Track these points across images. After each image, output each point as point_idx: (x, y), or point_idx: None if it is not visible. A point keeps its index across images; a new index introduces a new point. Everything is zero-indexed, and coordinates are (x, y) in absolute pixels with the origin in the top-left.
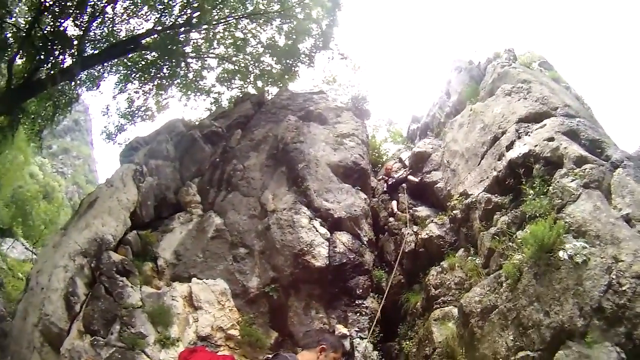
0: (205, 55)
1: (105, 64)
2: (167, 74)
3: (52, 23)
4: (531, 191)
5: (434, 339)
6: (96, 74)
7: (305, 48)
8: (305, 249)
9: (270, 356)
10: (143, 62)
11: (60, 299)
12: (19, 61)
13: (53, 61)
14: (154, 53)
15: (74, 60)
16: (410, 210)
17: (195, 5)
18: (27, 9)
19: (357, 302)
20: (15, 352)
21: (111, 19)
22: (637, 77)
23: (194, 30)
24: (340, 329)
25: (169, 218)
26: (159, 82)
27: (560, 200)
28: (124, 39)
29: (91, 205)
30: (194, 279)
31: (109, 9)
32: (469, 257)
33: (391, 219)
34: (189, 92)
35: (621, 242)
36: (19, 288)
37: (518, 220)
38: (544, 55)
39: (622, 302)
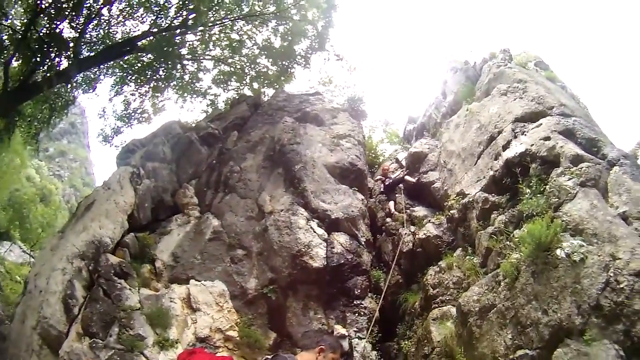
0: (201, 57)
1: (101, 66)
2: (163, 76)
3: (48, 25)
4: (528, 190)
5: (433, 338)
6: (92, 76)
7: (301, 49)
8: (303, 249)
9: (269, 357)
10: (139, 64)
11: (59, 302)
12: (15, 64)
13: (49, 63)
14: (150, 55)
15: (70, 62)
16: (408, 211)
17: (191, 7)
18: (23, 11)
19: (355, 302)
20: (14, 355)
21: (107, 21)
22: (633, 76)
23: (189, 32)
24: (339, 329)
25: (167, 220)
26: (155, 84)
27: (557, 199)
28: (120, 41)
29: (88, 208)
30: (192, 281)
31: (104, 11)
32: (467, 257)
33: (388, 219)
34: (185, 94)
35: (618, 239)
36: (17, 291)
37: (515, 219)
38: (540, 55)
39: (620, 300)
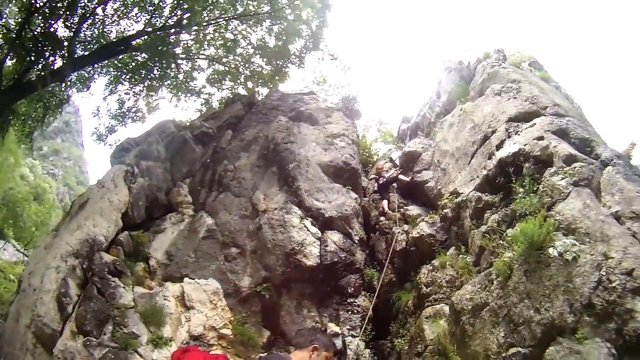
0: (196, 57)
1: (96, 65)
2: (157, 75)
3: (42, 24)
4: (521, 189)
5: (426, 336)
6: (86, 75)
7: (296, 49)
8: (297, 248)
9: (263, 355)
10: (133, 64)
11: (53, 300)
12: (9, 62)
13: (43, 62)
14: (144, 54)
15: (65, 61)
16: (401, 210)
17: (186, 6)
18: (17, 10)
19: (348, 300)
20: (8, 353)
21: (101, 21)
22: (627, 77)
23: (184, 32)
24: (332, 327)
25: (161, 218)
26: (150, 83)
27: (550, 199)
28: (114, 40)
29: (82, 206)
30: (186, 279)
31: (99, 10)
32: (460, 255)
33: (382, 218)
34: (180, 93)
35: (611, 239)
36: (10, 290)
37: (508, 218)
38: (534, 55)
39: (612, 299)
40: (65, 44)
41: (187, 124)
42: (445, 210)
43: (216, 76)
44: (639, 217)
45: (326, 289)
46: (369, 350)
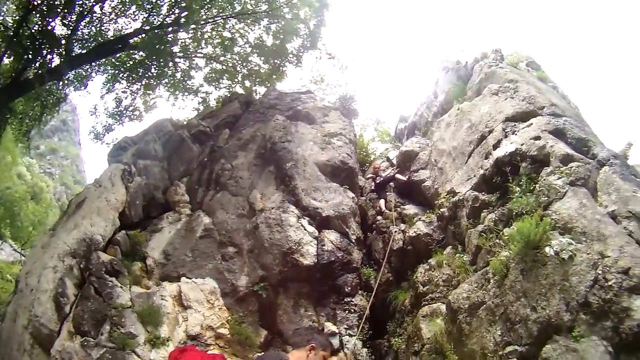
0: (193, 55)
1: (93, 64)
2: (155, 74)
3: (40, 22)
4: (518, 189)
5: (423, 335)
6: (84, 73)
7: (293, 48)
8: (294, 247)
9: (260, 355)
10: (131, 62)
11: (50, 300)
12: (6, 60)
13: (41, 60)
14: (141, 53)
15: (62, 59)
16: (398, 209)
17: (183, 4)
18: (15, 7)
19: (345, 299)
20: (6, 354)
21: (99, 19)
22: (625, 78)
23: (181, 30)
24: (330, 326)
25: (158, 218)
26: (147, 81)
27: (546, 198)
28: (112, 38)
29: (79, 205)
30: (183, 279)
31: (97, 8)
32: (457, 255)
33: (379, 217)
34: (177, 92)
35: (607, 238)
36: (8, 290)
37: (505, 217)
38: (532, 55)
39: (609, 297)
40: (63, 42)
41: (185, 122)
42: (442, 210)
43: (214, 75)
44: (635, 216)
45: (323, 288)
46: (366, 349)
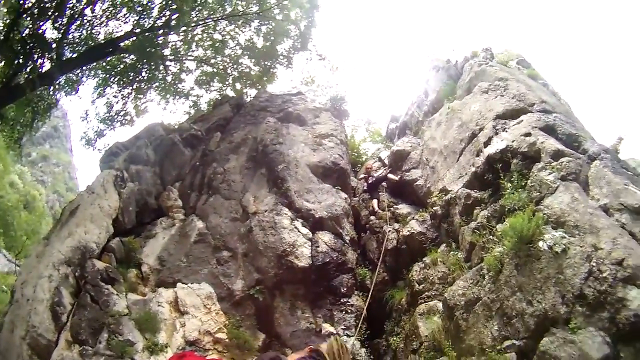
0: (184, 58)
1: (84, 68)
2: (145, 78)
3: (30, 26)
4: (509, 185)
5: (421, 333)
6: (75, 78)
7: (284, 49)
8: (288, 249)
9: (259, 355)
10: (122, 66)
11: (47, 310)
12: None
13: (32, 65)
14: (132, 56)
15: (53, 64)
16: (391, 208)
17: (174, 7)
18: (5, 11)
19: (342, 300)
20: None
21: (90, 22)
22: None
23: (172, 33)
24: (327, 327)
25: (152, 223)
26: (138, 85)
27: (538, 193)
28: (103, 42)
29: (73, 213)
30: (179, 284)
31: (87, 11)
32: (451, 252)
33: (372, 217)
34: (168, 96)
35: (600, 230)
36: (4, 301)
37: (497, 214)
38: (522, 53)
39: (604, 288)
40: (54, 46)
41: (176, 126)
42: (435, 208)
43: (204, 78)
44: (627, 208)
45: (319, 289)
46: (364, 349)
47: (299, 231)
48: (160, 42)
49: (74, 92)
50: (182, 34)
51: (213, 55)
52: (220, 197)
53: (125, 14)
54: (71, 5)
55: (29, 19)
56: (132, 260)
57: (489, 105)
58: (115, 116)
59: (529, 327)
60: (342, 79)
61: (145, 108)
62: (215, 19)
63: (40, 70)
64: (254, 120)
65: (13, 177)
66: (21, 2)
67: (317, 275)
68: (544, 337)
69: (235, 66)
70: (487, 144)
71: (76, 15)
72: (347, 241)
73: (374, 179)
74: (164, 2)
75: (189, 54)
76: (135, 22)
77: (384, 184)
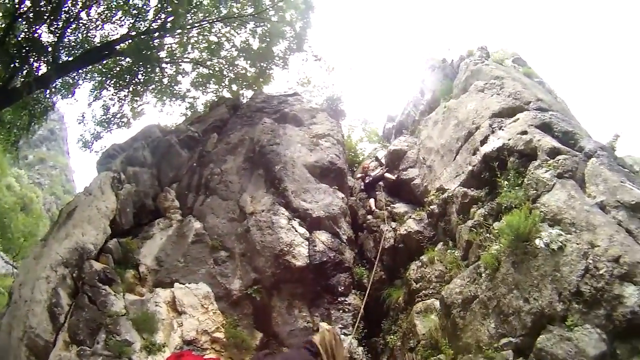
0: (180, 60)
1: (80, 71)
2: (142, 80)
3: (26, 29)
4: (506, 183)
5: (418, 331)
6: (71, 81)
7: (280, 50)
8: (285, 249)
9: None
10: (118, 69)
11: (44, 311)
12: None
13: (28, 69)
14: (128, 59)
15: (49, 67)
16: (388, 208)
17: (169, 9)
18: (0, 15)
19: (339, 299)
20: None
21: (86, 25)
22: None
23: (168, 35)
24: (324, 327)
25: (149, 224)
26: (134, 88)
27: (534, 191)
28: (99, 45)
29: (70, 214)
30: (176, 284)
31: (83, 15)
32: (448, 250)
33: (369, 216)
34: (164, 98)
35: (596, 228)
36: (1, 303)
37: (494, 212)
38: (518, 51)
39: (600, 286)
40: (50, 49)
41: (173, 128)
42: (432, 207)
43: (200, 79)
44: (623, 205)
45: (316, 288)
46: (362, 348)
47: (296, 231)
48: (156, 44)
49: (70, 95)
50: (177, 36)
51: (209, 57)
52: (218, 197)
53: (120, 17)
54: (67, 8)
55: (24, 22)
56: (130, 261)
57: (485, 103)
58: (112, 118)
59: (526, 324)
60: (338, 79)
61: (141, 110)
62: (210, 21)
63: (36, 73)
64: (250, 121)
65: (10, 180)
66: (17, 6)
67: (314, 274)
68: (541, 335)
69: (231, 68)
70: (483, 142)
71: (72, 19)
72: (345, 240)
73: (371, 178)
74: (159, 5)
75: (185, 56)
76: (130, 25)
77: (381, 183)
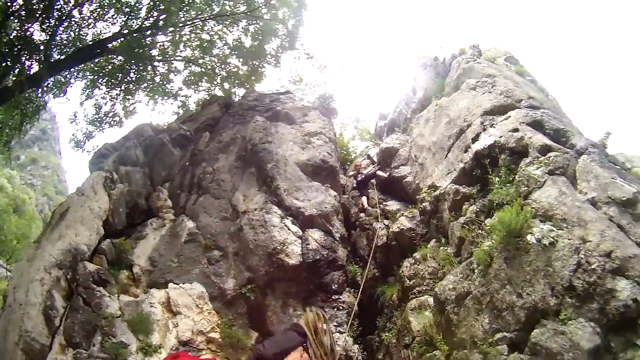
0: (172, 58)
1: (72, 70)
2: (134, 78)
3: (18, 28)
4: (497, 180)
5: (412, 328)
6: (63, 80)
7: (272, 48)
8: (279, 247)
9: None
10: (110, 67)
11: (40, 314)
12: None
13: (19, 68)
14: (120, 57)
15: (41, 66)
16: (381, 205)
17: (162, 7)
18: None
19: (333, 297)
20: None
21: (78, 23)
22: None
23: (160, 33)
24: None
25: (142, 224)
26: (126, 86)
27: (526, 188)
28: (91, 43)
29: (63, 215)
30: (170, 284)
31: (75, 12)
32: (441, 247)
33: (362, 214)
34: (156, 96)
35: (588, 223)
36: None
37: (486, 208)
38: (510, 50)
39: (592, 280)
40: (42, 47)
41: (165, 127)
42: (424, 204)
43: (192, 78)
44: (614, 201)
45: (310, 286)
46: (357, 345)
47: (289, 229)
48: (148, 42)
49: (62, 94)
50: (170, 34)
51: (201, 55)
52: (210, 196)
53: (113, 15)
54: (59, 6)
55: (16, 21)
56: (124, 261)
57: (476, 101)
58: (104, 117)
59: (520, 319)
60: (330, 77)
61: (133, 109)
62: (203, 19)
63: (28, 72)
64: (242, 119)
65: (2, 181)
66: (9, 4)
67: (308, 272)
68: (535, 329)
69: (223, 66)
70: (475, 140)
71: (64, 17)
72: (337, 238)
73: (363, 176)
74: (151, 3)
75: (177, 54)
76: (123, 23)
77: (373, 181)
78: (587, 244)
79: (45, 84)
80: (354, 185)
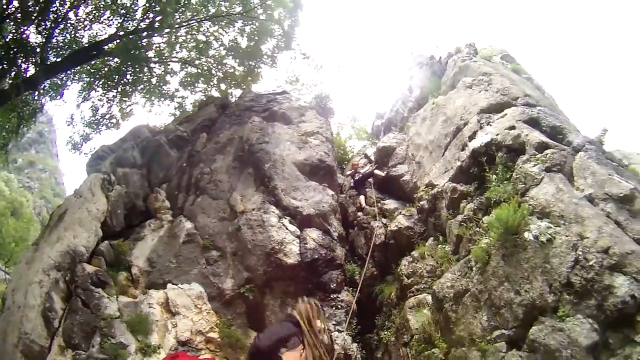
0: (168, 60)
1: (69, 72)
2: (130, 80)
3: (14, 31)
4: (495, 178)
5: (411, 326)
6: (59, 82)
7: (268, 49)
8: (277, 247)
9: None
10: (106, 69)
11: (39, 316)
12: None
13: (16, 70)
14: (117, 59)
15: (37, 68)
16: (379, 204)
17: (157, 9)
18: None
19: (332, 296)
20: None
21: (74, 25)
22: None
23: (156, 35)
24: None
25: (140, 226)
26: (123, 88)
27: (523, 185)
28: (87, 45)
29: (61, 217)
30: (169, 285)
31: (71, 15)
32: (439, 245)
33: (360, 213)
34: (153, 98)
35: (585, 220)
36: None
37: (483, 206)
38: (506, 48)
39: (590, 276)
40: (38, 50)
41: (162, 128)
42: (421, 203)
43: (189, 79)
44: (611, 198)
45: (309, 286)
46: (356, 344)
47: (287, 229)
48: (145, 44)
49: (58, 97)
50: (166, 35)
51: (197, 56)
52: (208, 197)
53: (108, 17)
54: (55, 9)
55: (12, 23)
56: (122, 262)
57: (473, 99)
58: (101, 120)
59: (518, 316)
60: (326, 77)
61: (130, 111)
62: (198, 20)
63: (24, 75)
64: (239, 120)
65: (0, 185)
66: (4, 6)
67: (306, 271)
68: (533, 326)
69: (219, 67)
70: (471, 138)
71: (60, 19)
72: (335, 237)
73: (360, 175)
74: (147, 5)
75: (173, 55)
76: (119, 24)
77: (370, 180)
78: (585, 241)
79: (42, 86)
80: (352, 184)
